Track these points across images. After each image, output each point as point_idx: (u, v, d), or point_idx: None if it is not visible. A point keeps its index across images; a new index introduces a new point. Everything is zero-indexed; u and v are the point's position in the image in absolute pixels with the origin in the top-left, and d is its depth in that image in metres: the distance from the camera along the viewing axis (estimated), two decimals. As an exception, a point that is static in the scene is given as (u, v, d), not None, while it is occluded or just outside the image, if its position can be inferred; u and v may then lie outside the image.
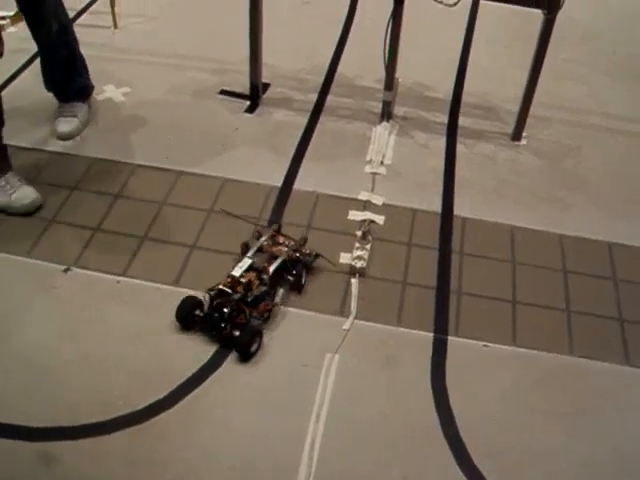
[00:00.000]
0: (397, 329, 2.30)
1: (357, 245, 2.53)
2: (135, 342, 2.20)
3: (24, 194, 2.63)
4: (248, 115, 3.19)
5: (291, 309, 2.33)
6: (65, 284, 2.36)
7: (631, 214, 2.85)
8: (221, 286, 2.24)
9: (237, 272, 2.27)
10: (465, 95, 3.42)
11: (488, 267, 2.55)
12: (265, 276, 2.30)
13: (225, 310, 2.20)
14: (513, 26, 3.79)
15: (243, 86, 3.27)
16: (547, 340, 2.30)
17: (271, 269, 2.32)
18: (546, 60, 2.89)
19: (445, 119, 3.24)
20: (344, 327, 2.28)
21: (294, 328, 2.28)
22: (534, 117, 3.15)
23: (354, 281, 2.43)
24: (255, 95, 3.23)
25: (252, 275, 2.29)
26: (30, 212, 2.62)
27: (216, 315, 2.20)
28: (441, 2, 2.69)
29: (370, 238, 2.57)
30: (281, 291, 2.36)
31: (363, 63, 3.47)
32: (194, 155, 2.93)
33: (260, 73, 3.19)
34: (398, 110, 3.23)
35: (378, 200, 2.75)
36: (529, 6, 2.77)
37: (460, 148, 3.07)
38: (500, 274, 2.53)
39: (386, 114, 3.13)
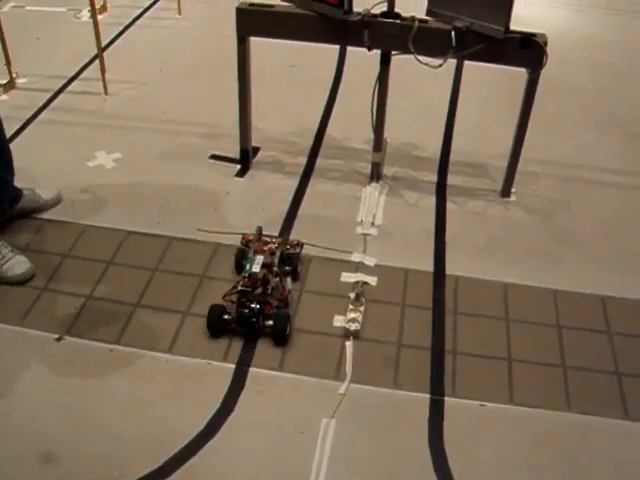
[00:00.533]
0: (393, 391, 2.28)
1: (351, 307, 2.52)
2: (130, 411, 2.18)
3: (16, 264, 2.63)
4: (239, 179, 3.21)
5: (286, 374, 2.32)
6: (58, 353, 2.35)
7: (623, 266, 2.85)
8: (240, 287, 2.46)
9: (257, 269, 2.48)
10: (453, 153, 3.46)
11: (482, 325, 2.54)
12: (275, 269, 2.54)
13: (253, 306, 2.41)
14: (498, 83, 3.84)
15: (233, 150, 3.30)
16: (544, 397, 2.29)
17: (276, 262, 2.56)
18: (532, 115, 2.93)
19: (434, 178, 3.27)
20: (340, 391, 2.26)
21: (290, 394, 2.26)
22: (522, 173, 3.18)
23: (348, 344, 2.42)
24: (245, 159, 3.25)
25: (263, 271, 2.50)
26: (23, 282, 2.62)
27: (246, 312, 2.40)
28: (426, 64, 2.73)
29: (363, 300, 2.57)
30: (288, 279, 2.61)
31: (351, 124, 3.52)
32: (186, 220, 2.94)
33: (250, 137, 3.22)
34: (387, 170, 3.26)
35: (370, 261, 2.76)
36: (513, 65, 2.82)
37: (450, 206, 3.09)
38: (494, 332, 2.52)
39: (376, 175, 3.16)
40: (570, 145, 3.61)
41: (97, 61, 3.87)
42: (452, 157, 3.43)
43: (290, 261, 2.65)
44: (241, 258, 2.62)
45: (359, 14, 2.71)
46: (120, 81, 3.95)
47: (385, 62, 2.85)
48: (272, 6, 2.84)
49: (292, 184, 3.17)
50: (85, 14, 4.71)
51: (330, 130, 3.57)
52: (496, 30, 2.65)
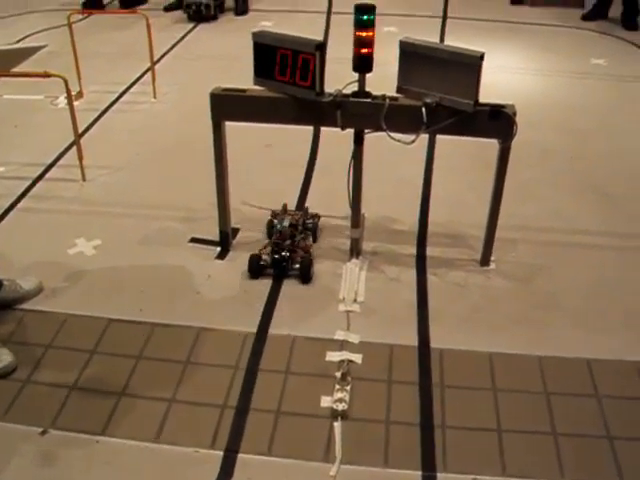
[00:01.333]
0: (384, 470, 2.25)
1: (337, 387, 2.51)
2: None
3: None
4: (220, 262, 3.21)
5: (276, 459, 2.29)
6: (43, 447, 2.30)
7: (606, 328, 2.87)
8: (275, 240, 3.14)
9: (286, 224, 3.19)
10: (431, 225, 3.49)
11: (470, 397, 2.53)
12: (300, 227, 3.25)
13: (284, 254, 3.08)
14: (471, 153, 3.91)
15: (213, 232, 3.31)
16: (537, 466, 2.26)
17: (300, 223, 3.27)
18: (507, 182, 2.97)
19: (414, 250, 3.29)
20: (330, 473, 2.23)
21: (280, 479, 2.23)
22: (501, 240, 3.21)
23: (337, 425, 2.40)
24: (225, 242, 3.26)
25: (290, 228, 3.19)
26: (4, 375, 2.59)
27: (278, 257, 3.08)
28: (399, 141, 2.78)
29: (349, 379, 2.56)
30: (310, 237, 3.31)
31: (329, 201, 3.55)
32: (168, 306, 2.94)
33: (229, 219, 3.24)
34: (367, 245, 3.28)
35: (354, 339, 2.75)
36: (484, 137, 2.88)
37: (431, 278, 3.11)
38: (482, 403, 2.50)
39: (355, 251, 3.18)
40: (546, 209, 3.67)
41: (74, 148, 3.90)
42: (430, 228, 3.46)
43: (310, 225, 3.33)
44: (271, 226, 3.29)
45: (331, 95, 2.77)
46: (98, 167, 3.98)
47: (359, 141, 2.90)
48: (245, 90, 2.89)
49: (273, 263, 3.18)
50: (62, 101, 4.76)
51: (308, 207, 3.59)
52: (465, 104, 2.71)
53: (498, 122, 2.77)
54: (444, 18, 7.20)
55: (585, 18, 7.35)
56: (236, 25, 6.95)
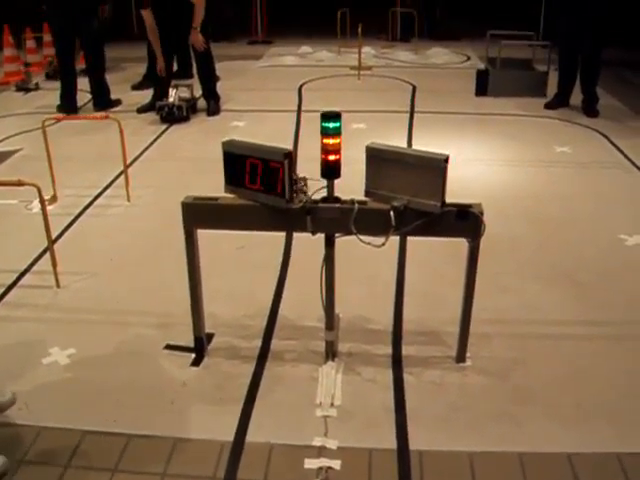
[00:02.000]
0: None
1: (316, 496, 2.48)
2: None
3: None
4: (195, 368, 3.18)
5: None
6: None
7: (584, 420, 2.86)
8: None
9: None
10: (406, 322, 3.50)
11: (451, 501, 2.51)
12: None
13: None
14: (442, 246, 3.94)
15: (188, 338, 3.29)
16: None
17: None
18: (478, 275, 3.00)
19: (389, 350, 3.29)
20: None
21: None
22: (475, 335, 3.21)
23: (318, 535, 2.36)
24: (200, 348, 3.25)
25: None
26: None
27: None
28: (369, 243, 2.82)
29: (329, 487, 2.53)
30: None
31: (303, 303, 3.55)
32: (143, 415, 2.89)
33: (203, 325, 3.24)
34: (342, 347, 3.28)
35: (332, 444, 2.72)
36: (452, 237, 2.93)
37: (407, 378, 3.09)
38: (464, 507, 2.48)
39: (331, 353, 3.17)
40: (518, 301, 3.70)
41: (49, 253, 3.91)
42: (405, 326, 3.47)
43: None
44: None
45: (301, 201, 2.82)
46: (72, 273, 3.97)
47: (329, 245, 2.94)
48: (216, 199, 2.93)
49: (249, 369, 3.15)
50: (36, 205, 4.77)
51: (283, 310, 3.60)
52: (433, 206, 2.76)
53: (466, 222, 2.83)
54: (412, 113, 7.40)
55: (548, 107, 7.58)
56: (208, 126, 7.09)
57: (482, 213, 2.83)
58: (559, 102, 7.57)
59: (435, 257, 4.03)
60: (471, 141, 6.44)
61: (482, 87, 8.10)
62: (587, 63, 7.28)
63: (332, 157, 2.76)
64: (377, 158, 2.82)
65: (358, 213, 2.79)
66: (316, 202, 2.85)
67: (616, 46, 10.60)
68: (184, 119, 7.14)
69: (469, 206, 2.84)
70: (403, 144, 6.27)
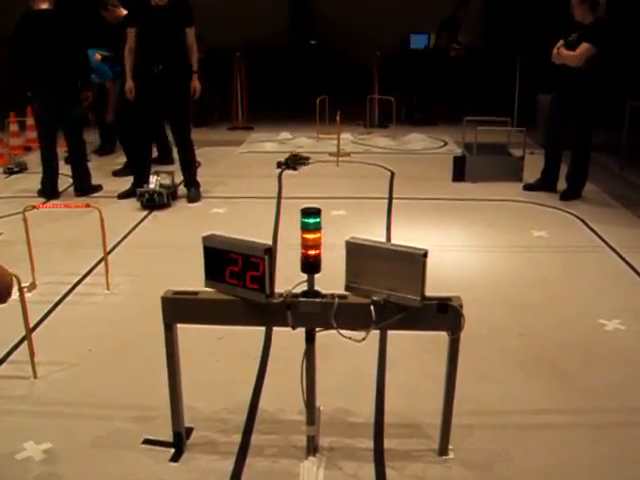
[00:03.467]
0: None
1: None
2: None
3: None
4: (174, 464, 3.12)
5: None
6: None
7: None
8: None
9: None
10: (387, 415, 3.47)
11: None
12: None
13: None
14: (423, 338, 3.94)
15: (167, 432, 3.24)
16: None
17: None
18: (459, 365, 2.99)
19: (371, 444, 3.25)
20: None
21: None
22: (457, 426, 3.19)
23: None
24: (179, 443, 3.20)
25: None
26: None
27: None
28: (350, 338, 2.83)
29: None
30: None
31: (283, 395, 3.52)
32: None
33: (182, 420, 3.19)
34: (323, 441, 3.23)
35: None
36: (433, 330, 2.94)
37: (390, 473, 3.05)
38: None
39: (312, 448, 3.13)
40: (500, 391, 3.69)
41: (26, 342, 3.87)
42: (386, 419, 3.43)
43: None
44: None
45: (281, 295, 2.83)
46: (50, 363, 3.93)
47: (310, 339, 2.94)
48: (196, 293, 2.94)
49: (228, 465, 3.10)
50: (14, 292, 4.68)
51: (263, 403, 3.56)
52: (412, 300, 2.78)
53: (446, 315, 2.84)
54: (390, 199, 7.49)
55: (527, 188, 7.73)
56: (189, 212, 7.13)
57: (461, 306, 2.85)
58: (541, 186, 7.71)
59: (416, 347, 4.03)
60: (449, 228, 6.51)
61: (459, 172, 8.22)
62: (572, 147, 7.47)
63: (312, 252, 2.79)
64: (357, 253, 2.86)
65: (339, 307, 2.81)
66: (296, 296, 2.86)
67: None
68: (165, 205, 7.12)
69: (449, 299, 2.87)
70: (382, 231, 6.33)
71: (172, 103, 7.17)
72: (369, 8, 15.72)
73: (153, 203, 7.08)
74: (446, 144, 10.91)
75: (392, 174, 8.61)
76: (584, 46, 6.92)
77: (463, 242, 6.08)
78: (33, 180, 7.90)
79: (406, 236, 5.94)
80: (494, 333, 4.32)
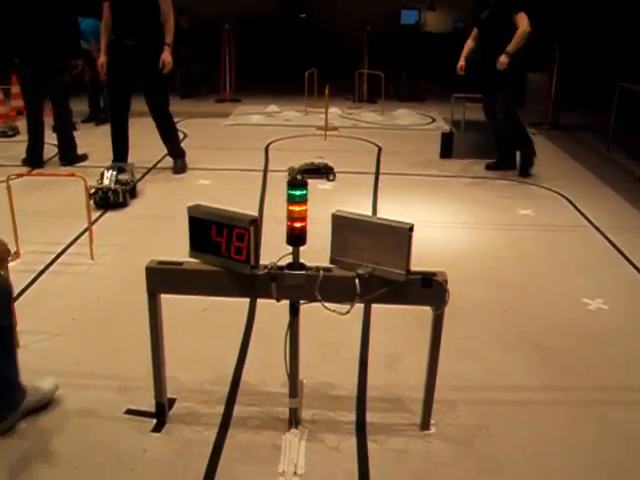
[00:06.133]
0: None
1: None
2: None
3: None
4: (156, 434, 3.11)
5: None
6: None
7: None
8: None
9: None
10: (370, 389, 3.47)
11: None
12: None
13: None
14: (406, 313, 3.95)
15: (149, 403, 3.22)
16: None
17: None
18: (442, 342, 3.00)
19: (353, 417, 3.25)
20: None
21: None
22: (439, 401, 3.19)
23: None
24: (161, 413, 3.19)
25: None
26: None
27: None
28: (334, 311, 2.82)
29: None
30: None
31: (266, 368, 3.53)
32: (102, 485, 2.83)
33: (165, 390, 3.18)
34: (306, 414, 3.24)
35: (295, 515, 2.68)
36: (417, 305, 2.94)
37: (371, 446, 3.06)
38: None
39: (294, 420, 3.13)
40: (482, 367, 3.70)
41: (8, 313, 3.85)
42: (369, 393, 3.44)
43: None
44: None
45: (265, 267, 2.82)
46: (32, 332, 3.91)
47: (294, 312, 2.93)
48: (181, 263, 2.92)
49: (210, 436, 3.09)
50: (-3, 261, 4.71)
51: (246, 375, 3.55)
52: (397, 274, 2.78)
53: (430, 290, 2.84)
54: (377, 174, 7.48)
55: (488, 167, 7.74)
56: (174, 184, 7.09)
57: (446, 281, 2.85)
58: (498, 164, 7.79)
59: (399, 322, 4.04)
60: (435, 204, 6.52)
61: (447, 149, 8.23)
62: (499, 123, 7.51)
63: (298, 224, 2.77)
64: (343, 226, 2.84)
65: (323, 280, 2.80)
66: (281, 268, 2.85)
67: (576, 110, 10.90)
68: (120, 205, 6.17)
69: (433, 274, 2.86)
70: (368, 205, 6.33)
71: (144, 77, 7.00)
72: (360, -18, 15.62)
73: (107, 202, 6.14)
74: (434, 120, 10.91)
75: (379, 149, 8.60)
76: (521, 16, 6.93)
77: (449, 218, 6.09)
78: (19, 148, 7.83)
79: (392, 211, 5.95)
80: (477, 310, 4.33)
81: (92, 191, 5.89)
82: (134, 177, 6.69)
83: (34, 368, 3.59)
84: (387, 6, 15.65)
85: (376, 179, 7.29)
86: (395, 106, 11.66)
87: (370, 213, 6.05)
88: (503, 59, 6.99)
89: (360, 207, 5.99)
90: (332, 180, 7.13)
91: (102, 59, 7.04)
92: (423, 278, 2.83)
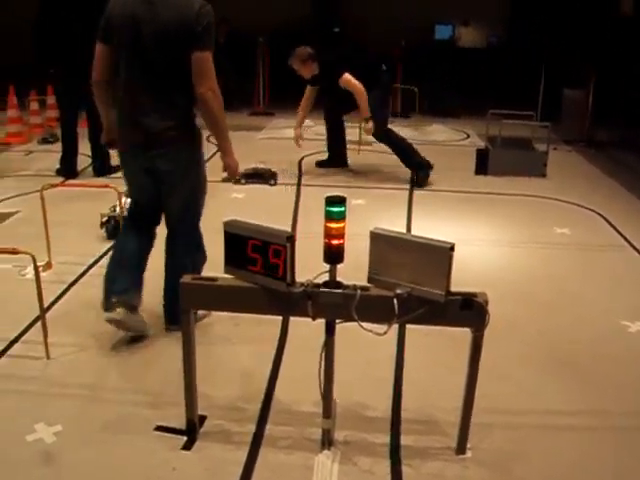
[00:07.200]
0: None
1: None
2: None
3: None
4: (186, 452, 3.06)
5: None
6: None
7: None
8: None
9: None
10: (404, 411, 3.39)
11: None
12: None
13: None
14: (442, 333, 3.86)
15: (180, 419, 3.18)
16: None
17: None
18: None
19: (387, 439, 3.18)
20: None
21: None
22: (475, 424, 3.11)
23: None
24: (192, 431, 3.13)
25: None
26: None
27: None
28: (371, 331, 2.76)
29: None
30: None
31: (300, 386, 3.45)
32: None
33: (196, 408, 3.13)
34: (339, 434, 3.16)
35: None
36: (456, 326, 2.86)
37: (406, 470, 2.98)
38: None
39: (327, 441, 3.06)
40: (517, 389, 3.61)
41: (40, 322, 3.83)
42: (403, 414, 3.36)
43: None
44: None
45: (302, 285, 2.76)
46: (63, 344, 3.89)
47: (330, 331, 2.87)
48: (215, 279, 2.87)
49: (241, 456, 3.03)
50: (30, 271, 4.69)
51: (278, 393, 3.50)
52: (437, 295, 2.71)
53: (470, 312, 2.77)
54: (411, 190, 7.41)
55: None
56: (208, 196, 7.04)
57: (487, 303, 2.78)
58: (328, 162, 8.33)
59: (434, 340, 3.94)
60: (470, 221, 6.43)
61: (482, 166, 8.13)
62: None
63: (335, 242, 2.71)
64: (381, 244, 2.78)
65: (360, 299, 2.73)
66: (317, 286, 2.79)
67: (612, 126, 10.75)
68: None
69: (474, 295, 2.79)
70: (402, 221, 6.25)
71: None
72: (395, -1, 15.60)
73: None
74: (469, 136, 10.81)
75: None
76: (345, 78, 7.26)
77: (484, 236, 5.99)
78: (52, 160, 7.87)
79: (426, 228, 5.88)
80: (511, 329, 4.22)
81: (104, 219, 5.63)
82: None
83: (63, 381, 3.57)
84: (421, 21, 15.59)
85: (410, 195, 7.22)
86: (429, 121, 11.59)
87: (404, 229, 5.97)
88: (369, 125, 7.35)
89: (394, 223, 5.92)
90: (273, 185, 7.37)
91: None
92: (463, 299, 2.76)
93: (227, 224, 2.85)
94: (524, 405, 3.49)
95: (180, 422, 3.19)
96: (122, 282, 3.91)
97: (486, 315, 2.77)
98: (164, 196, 3.90)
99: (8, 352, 3.86)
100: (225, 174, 4.09)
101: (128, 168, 3.98)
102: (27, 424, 3.22)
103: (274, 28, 14.47)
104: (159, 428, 3.22)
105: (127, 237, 4.06)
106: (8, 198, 6.74)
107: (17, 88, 9.96)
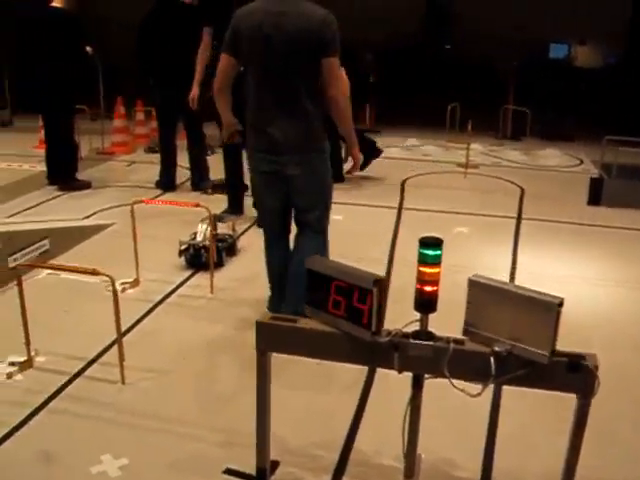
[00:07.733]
0: None
1: None
2: None
3: None
4: (255, 493, 2.85)
5: None
6: None
7: None
8: None
9: None
10: (496, 471, 3.06)
11: None
12: None
13: None
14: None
15: (251, 462, 2.93)
16: None
17: None
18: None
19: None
20: None
21: None
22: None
23: None
24: (262, 478, 2.90)
25: None
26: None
27: None
28: (463, 390, 2.46)
29: None
30: None
31: (382, 436, 3.18)
32: None
33: (268, 453, 2.88)
34: None
35: None
36: (559, 391, 2.53)
37: None
38: None
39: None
40: (629, 456, 3.23)
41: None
42: (495, 476, 3.04)
43: None
44: None
45: (389, 333, 2.49)
46: (140, 369, 3.75)
47: (417, 386, 2.59)
48: (295, 320, 2.64)
49: (313, 509, 2.80)
50: (117, 287, 4.57)
51: (358, 443, 3.22)
52: (540, 355, 2.39)
53: (577, 375, 2.44)
54: (518, 219, 7.02)
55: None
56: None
57: (597, 367, 2.44)
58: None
59: (532, 399, 3.53)
60: (579, 256, 5.98)
61: (596, 196, 7.66)
62: None
63: (429, 288, 2.44)
64: (480, 293, 2.47)
65: (453, 354, 2.45)
66: (406, 336, 2.51)
67: None
68: (215, 266, 5.03)
69: (582, 357, 2.45)
70: (506, 253, 5.87)
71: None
72: (508, 15, 15.20)
73: (199, 261, 5.24)
74: (582, 162, 10.31)
75: (522, 191, 8.12)
76: None
77: (591, 274, 5.54)
78: (155, 170, 7.86)
79: (531, 261, 5.53)
80: (623, 383, 3.79)
81: (183, 247, 5.30)
82: (235, 232, 5.80)
83: (134, 409, 3.42)
84: (536, 40, 15.12)
85: (517, 225, 6.82)
86: (540, 145, 11.12)
87: (508, 261, 5.60)
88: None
89: (497, 255, 5.59)
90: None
91: (195, 91, 6.74)
92: (570, 362, 2.43)
93: (310, 261, 2.62)
94: (634, 477, 3.11)
95: (252, 465, 2.95)
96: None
97: (595, 381, 2.43)
98: (294, 200, 4.09)
99: (85, 373, 3.76)
100: (350, 165, 4.35)
101: (258, 171, 4.11)
102: (94, 454, 3.09)
103: (384, 44, 14.30)
104: (228, 471, 3.02)
105: (271, 255, 4.32)
106: (105, 209, 6.74)
107: (125, 99, 10.11)
